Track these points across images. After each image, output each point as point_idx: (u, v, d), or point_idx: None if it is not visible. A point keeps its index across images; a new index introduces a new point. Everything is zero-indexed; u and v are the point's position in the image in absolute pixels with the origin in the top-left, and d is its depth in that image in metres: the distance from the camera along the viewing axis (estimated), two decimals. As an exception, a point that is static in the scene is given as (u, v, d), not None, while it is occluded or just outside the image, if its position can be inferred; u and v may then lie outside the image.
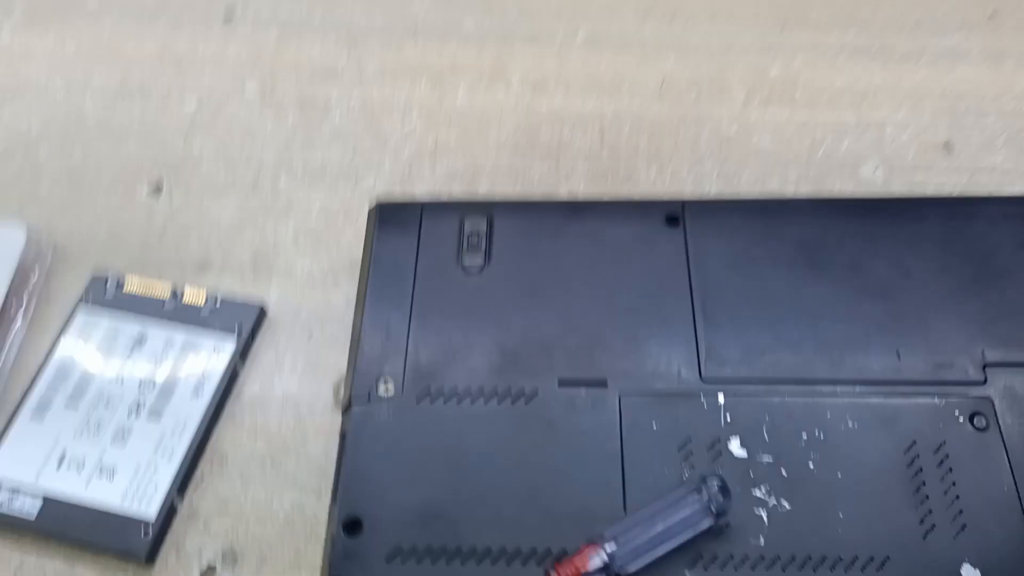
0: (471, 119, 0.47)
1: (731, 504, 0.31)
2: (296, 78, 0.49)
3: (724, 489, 0.31)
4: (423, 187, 0.44)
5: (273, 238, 0.43)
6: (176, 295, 0.40)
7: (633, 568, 0.30)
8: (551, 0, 0.52)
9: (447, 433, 0.34)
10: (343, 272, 0.42)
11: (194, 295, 0.40)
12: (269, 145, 0.46)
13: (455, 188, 0.44)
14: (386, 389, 0.35)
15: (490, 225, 0.39)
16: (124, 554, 0.34)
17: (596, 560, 0.30)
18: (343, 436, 0.35)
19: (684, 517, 0.31)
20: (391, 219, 0.40)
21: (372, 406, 0.35)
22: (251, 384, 0.39)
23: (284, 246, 0.43)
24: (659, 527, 0.30)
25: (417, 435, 0.34)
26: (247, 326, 0.40)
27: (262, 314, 0.40)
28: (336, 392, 0.39)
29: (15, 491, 0.36)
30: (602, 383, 0.35)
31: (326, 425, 0.38)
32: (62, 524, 0.35)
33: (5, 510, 0.35)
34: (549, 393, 0.34)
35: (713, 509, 0.31)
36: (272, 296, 0.41)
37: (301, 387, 0.39)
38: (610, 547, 0.30)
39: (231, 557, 0.35)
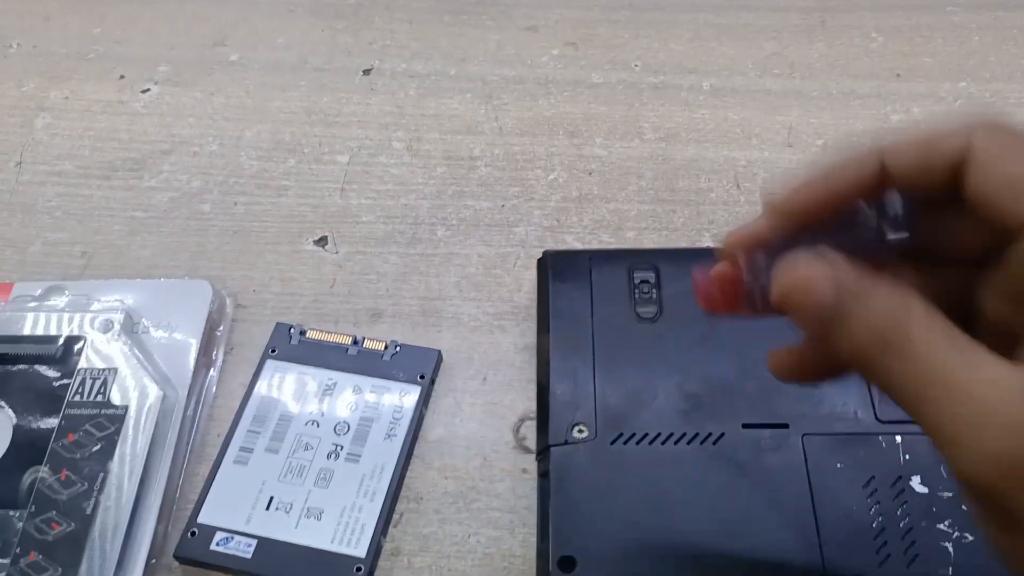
0: (611, 169, 0.50)
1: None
2: (439, 130, 0.52)
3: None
4: (573, 235, 0.47)
5: (438, 286, 0.46)
6: (357, 342, 0.43)
7: None
8: (671, 54, 0.55)
9: (642, 473, 0.36)
10: (507, 317, 0.44)
11: (374, 342, 0.43)
12: (422, 196, 0.49)
13: (604, 236, 0.47)
14: (580, 432, 0.38)
15: (656, 274, 0.42)
16: (339, 591, 0.37)
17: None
18: (544, 476, 0.37)
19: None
20: (562, 268, 0.42)
21: (569, 448, 0.37)
22: (435, 427, 0.41)
23: (449, 294, 0.45)
24: None
25: (614, 475, 0.36)
26: (428, 371, 0.42)
27: (440, 359, 0.43)
28: (516, 433, 0.41)
29: (230, 532, 0.38)
30: (784, 425, 0.37)
31: (509, 465, 0.40)
32: (277, 564, 0.37)
33: (222, 550, 0.38)
34: (735, 435, 0.37)
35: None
36: (444, 342, 0.44)
37: (482, 429, 0.41)
38: None
39: (437, 592, 0.37)
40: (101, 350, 0.42)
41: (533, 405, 0.41)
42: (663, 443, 0.37)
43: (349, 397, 0.41)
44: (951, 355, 0.22)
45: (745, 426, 0.37)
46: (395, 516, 0.39)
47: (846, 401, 0.37)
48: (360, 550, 0.37)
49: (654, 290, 0.41)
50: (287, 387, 0.42)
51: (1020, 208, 0.23)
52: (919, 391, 0.22)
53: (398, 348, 0.43)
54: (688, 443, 0.37)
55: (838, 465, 0.36)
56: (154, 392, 0.40)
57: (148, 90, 0.55)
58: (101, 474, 0.39)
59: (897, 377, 0.23)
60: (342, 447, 0.40)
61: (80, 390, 0.41)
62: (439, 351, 0.43)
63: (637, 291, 0.41)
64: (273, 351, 0.43)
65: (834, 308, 0.23)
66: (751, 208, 0.47)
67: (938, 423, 0.22)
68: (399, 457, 0.40)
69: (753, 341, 0.39)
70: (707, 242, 0.46)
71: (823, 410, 0.37)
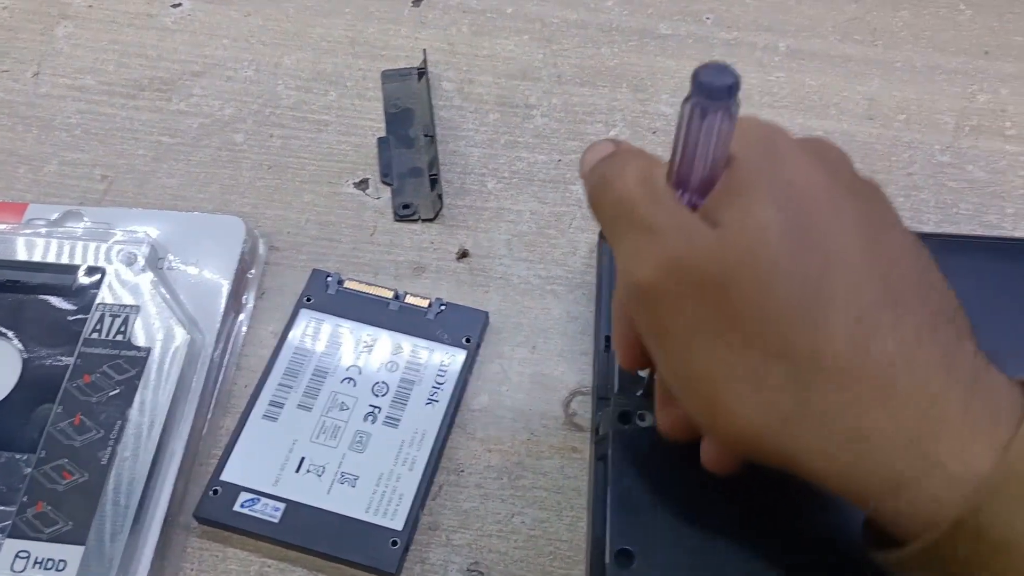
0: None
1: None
2: (492, 73, 0.48)
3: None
4: (634, 198, 0.44)
5: (487, 243, 0.42)
6: (399, 296, 0.40)
7: None
8: (747, 9, 0.51)
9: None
10: (559, 281, 0.41)
11: (417, 298, 0.40)
12: (473, 144, 0.46)
13: (666, 201, 0.44)
14: (642, 419, 0.35)
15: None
16: (372, 566, 0.34)
17: None
18: (601, 460, 0.34)
19: None
20: (627, 235, 0.39)
21: (633, 434, 0.34)
22: (479, 394, 0.38)
23: (498, 252, 0.42)
24: None
25: (679, 467, 0.33)
26: (475, 334, 0.39)
27: (487, 322, 0.40)
28: (566, 408, 0.38)
29: (256, 493, 0.35)
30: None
31: (559, 442, 0.37)
32: (306, 531, 0.35)
33: (247, 512, 0.35)
34: (810, 430, 0.34)
35: None
36: (491, 304, 0.40)
37: (530, 401, 0.38)
38: None
39: (477, 573, 0.35)
40: (123, 285, 0.38)
41: (585, 379, 0.39)
42: (732, 433, 0.34)
43: (389, 356, 0.38)
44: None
45: (822, 421, 0.34)
46: (434, 488, 0.36)
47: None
48: (397, 522, 0.35)
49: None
50: (322, 340, 0.39)
51: None
52: None
53: (443, 307, 0.40)
54: (759, 435, 0.34)
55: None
56: (181, 335, 0.37)
57: (179, 4, 0.51)
58: (119, 421, 0.36)
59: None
60: (380, 409, 0.37)
61: (98, 327, 0.38)
62: (486, 313, 0.40)
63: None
64: (308, 299, 0.40)
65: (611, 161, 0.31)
66: (826, 183, 0.44)
67: None
68: (441, 425, 0.37)
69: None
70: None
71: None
